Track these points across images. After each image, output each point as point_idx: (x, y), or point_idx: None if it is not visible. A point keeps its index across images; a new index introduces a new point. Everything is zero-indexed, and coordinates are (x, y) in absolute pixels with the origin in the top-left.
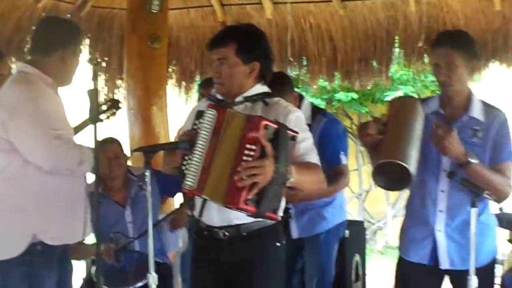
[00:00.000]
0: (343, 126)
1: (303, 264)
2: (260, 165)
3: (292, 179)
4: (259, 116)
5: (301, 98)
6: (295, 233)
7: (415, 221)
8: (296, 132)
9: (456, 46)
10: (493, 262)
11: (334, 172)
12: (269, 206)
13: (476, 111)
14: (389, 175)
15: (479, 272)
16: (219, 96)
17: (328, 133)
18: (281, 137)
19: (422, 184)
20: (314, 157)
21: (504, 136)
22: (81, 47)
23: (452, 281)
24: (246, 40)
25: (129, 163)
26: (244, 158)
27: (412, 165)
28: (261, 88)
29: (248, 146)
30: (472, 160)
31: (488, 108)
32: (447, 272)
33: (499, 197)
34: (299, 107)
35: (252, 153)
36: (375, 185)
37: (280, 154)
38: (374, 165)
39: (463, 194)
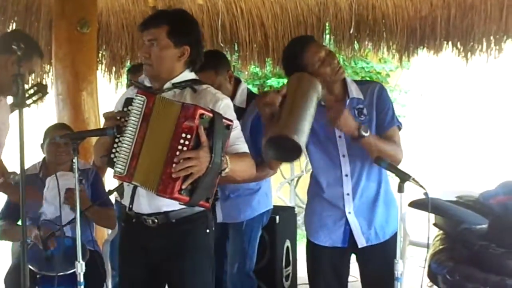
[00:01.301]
0: None
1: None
2: (196, 156)
3: (227, 169)
4: (195, 104)
5: (238, 81)
6: (219, 218)
7: (322, 206)
8: (231, 121)
9: None
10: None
11: (263, 160)
12: (202, 195)
13: (355, 91)
14: (280, 147)
15: (390, 243)
16: (146, 83)
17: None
18: (217, 126)
19: (325, 169)
20: (243, 146)
21: (383, 104)
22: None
23: (358, 257)
24: (178, 23)
25: None
26: (179, 147)
27: (302, 140)
28: (189, 74)
29: (183, 135)
30: (364, 133)
31: (363, 85)
32: (354, 250)
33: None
34: (235, 90)
35: (187, 142)
36: (266, 157)
37: (215, 143)
38: (266, 137)
39: (364, 174)
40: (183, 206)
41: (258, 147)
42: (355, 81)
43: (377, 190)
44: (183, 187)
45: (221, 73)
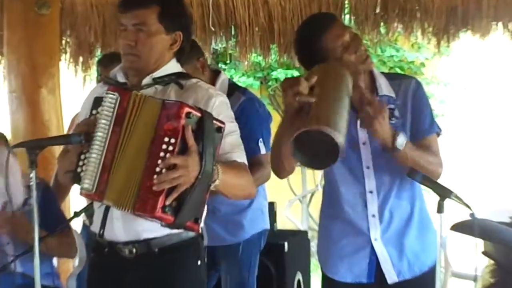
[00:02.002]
0: (265, 108)
1: (218, 280)
2: (183, 163)
3: (217, 181)
4: (179, 101)
5: (216, 72)
6: (204, 240)
7: (341, 231)
8: (222, 123)
9: None
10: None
11: (250, 164)
12: (190, 214)
13: (384, 87)
14: (312, 147)
15: (428, 277)
16: (120, 78)
17: (245, 114)
18: (206, 128)
19: (344, 183)
20: (242, 155)
21: (420, 105)
22: None
23: None
24: (171, 3)
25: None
26: (161, 154)
27: (341, 139)
28: (174, 66)
29: (166, 138)
30: (399, 146)
31: (394, 80)
32: (382, 286)
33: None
34: (213, 82)
35: (170, 147)
36: (294, 159)
37: (205, 149)
38: (295, 134)
39: (394, 191)
40: (168, 232)
41: (245, 147)
42: (384, 74)
43: (410, 210)
44: (167, 203)
45: (190, 60)
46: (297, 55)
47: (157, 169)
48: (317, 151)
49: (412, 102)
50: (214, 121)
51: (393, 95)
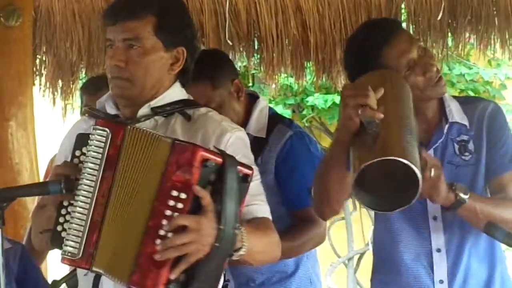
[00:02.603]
0: (317, 145)
1: None
2: (195, 226)
3: (242, 250)
4: (193, 144)
5: (253, 98)
6: None
7: None
8: (250, 168)
9: None
10: None
11: (300, 219)
12: None
13: (456, 113)
14: (382, 184)
15: None
16: (109, 109)
17: (293, 154)
18: (229, 179)
19: (403, 240)
20: (264, 208)
21: (498, 134)
22: None
23: None
24: (169, 12)
25: None
26: (167, 212)
27: (419, 171)
28: (178, 92)
29: (174, 193)
30: (463, 195)
31: (467, 104)
32: None
33: None
34: (249, 111)
35: (180, 205)
36: (358, 200)
37: (225, 208)
38: (362, 165)
39: (468, 249)
40: None
41: (288, 198)
42: (455, 97)
43: (488, 275)
44: (172, 277)
45: (222, 84)
46: (347, 71)
47: (161, 232)
48: (390, 186)
49: (487, 131)
50: (239, 167)
51: (466, 123)
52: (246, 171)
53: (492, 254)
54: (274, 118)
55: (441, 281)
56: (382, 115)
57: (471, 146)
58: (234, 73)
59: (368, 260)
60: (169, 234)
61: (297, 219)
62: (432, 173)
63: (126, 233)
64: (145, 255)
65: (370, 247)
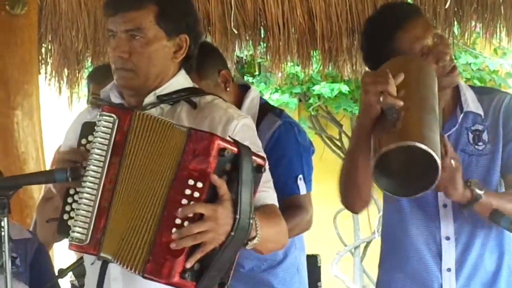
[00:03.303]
0: (305, 135)
1: None
2: (212, 214)
3: (256, 239)
4: (210, 132)
5: (244, 88)
6: None
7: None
8: (264, 159)
9: None
10: None
11: (288, 206)
12: (215, 279)
13: (471, 102)
14: (401, 169)
15: None
16: (114, 98)
17: (281, 143)
18: (244, 168)
19: (412, 227)
20: (272, 195)
21: None
22: None
23: None
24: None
25: None
26: (183, 201)
27: (438, 157)
28: (183, 79)
29: (190, 182)
30: (479, 191)
31: (484, 95)
32: None
33: None
34: (240, 100)
35: (196, 193)
36: (377, 185)
37: (241, 197)
38: (381, 150)
39: (478, 238)
40: None
41: (276, 186)
42: (471, 87)
43: (497, 266)
44: (188, 266)
45: (208, 75)
46: (362, 53)
47: (178, 221)
48: (401, 174)
49: (504, 123)
50: (253, 157)
51: (481, 113)
52: (259, 161)
53: (502, 245)
54: (265, 108)
55: (449, 269)
56: (401, 102)
57: (485, 136)
58: (222, 64)
59: (374, 249)
60: (185, 223)
61: (285, 206)
62: (452, 162)
63: (135, 219)
64: (161, 244)
65: (377, 235)
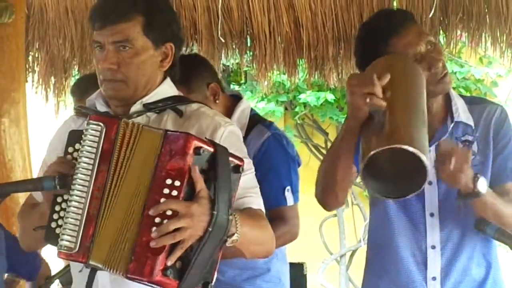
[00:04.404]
0: (293, 147)
1: None
2: (187, 211)
3: (235, 235)
4: (186, 132)
5: (236, 98)
6: None
7: None
8: (241, 160)
9: None
10: None
11: (274, 218)
12: (198, 277)
13: (462, 113)
14: (390, 171)
15: None
16: (100, 107)
17: (269, 154)
18: (220, 167)
19: (398, 235)
20: (258, 200)
21: (506, 141)
22: None
23: None
24: (155, 8)
25: None
26: (162, 200)
27: (426, 158)
28: (168, 88)
29: (168, 181)
30: (481, 189)
31: (474, 105)
32: None
33: None
34: (230, 111)
35: (174, 192)
36: (366, 187)
37: (217, 194)
38: (370, 152)
39: (465, 248)
40: None
41: (264, 197)
42: (462, 96)
43: (483, 276)
44: (169, 263)
45: (196, 89)
46: (356, 58)
47: (157, 220)
48: (398, 173)
49: (494, 135)
50: (231, 158)
51: (471, 123)
52: (237, 161)
53: (488, 255)
54: (254, 119)
55: (434, 278)
56: (385, 104)
57: (475, 147)
58: (211, 78)
59: (360, 257)
60: (165, 221)
61: (271, 217)
62: (452, 164)
63: (123, 225)
64: (141, 244)
65: (363, 244)
